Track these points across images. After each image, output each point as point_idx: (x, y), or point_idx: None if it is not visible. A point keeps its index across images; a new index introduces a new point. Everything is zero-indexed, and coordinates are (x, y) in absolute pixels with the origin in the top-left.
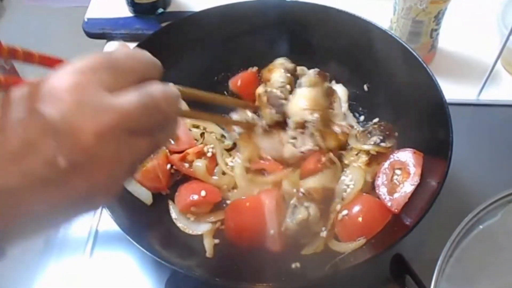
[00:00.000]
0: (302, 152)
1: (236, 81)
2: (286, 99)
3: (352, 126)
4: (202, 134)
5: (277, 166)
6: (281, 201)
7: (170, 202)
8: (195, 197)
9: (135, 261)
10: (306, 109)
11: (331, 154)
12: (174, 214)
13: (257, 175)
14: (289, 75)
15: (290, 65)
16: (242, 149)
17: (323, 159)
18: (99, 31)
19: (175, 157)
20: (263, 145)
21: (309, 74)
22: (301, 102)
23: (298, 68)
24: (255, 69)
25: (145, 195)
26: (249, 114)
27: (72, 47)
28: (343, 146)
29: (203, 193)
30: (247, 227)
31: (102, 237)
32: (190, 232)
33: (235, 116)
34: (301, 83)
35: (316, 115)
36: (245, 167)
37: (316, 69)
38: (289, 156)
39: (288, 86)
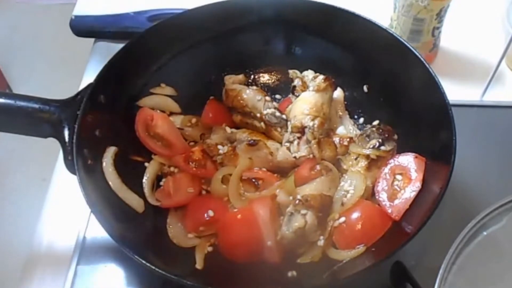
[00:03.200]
0: (295, 158)
1: (207, 114)
2: (276, 108)
3: (351, 138)
4: (202, 135)
5: (271, 175)
6: (275, 209)
7: (169, 212)
8: (204, 217)
9: (125, 269)
10: (307, 114)
11: (326, 162)
12: (167, 223)
13: (250, 186)
14: (254, 87)
15: (240, 76)
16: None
17: (318, 166)
18: (87, 29)
19: (179, 157)
20: (253, 159)
21: (317, 79)
22: (303, 107)
23: (290, 71)
24: (211, 98)
25: (137, 202)
26: (227, 130)
27: (60, 46)
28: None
29: (211, 213)
30: (242, 241)
31: (90, 244)
32: (183, 244)
33: (214, 136)
34: (309, 87)
35: (316, 121)
36: (237, 180)
37: (321, 75)
38: (282, 160)
39: (267, 97)
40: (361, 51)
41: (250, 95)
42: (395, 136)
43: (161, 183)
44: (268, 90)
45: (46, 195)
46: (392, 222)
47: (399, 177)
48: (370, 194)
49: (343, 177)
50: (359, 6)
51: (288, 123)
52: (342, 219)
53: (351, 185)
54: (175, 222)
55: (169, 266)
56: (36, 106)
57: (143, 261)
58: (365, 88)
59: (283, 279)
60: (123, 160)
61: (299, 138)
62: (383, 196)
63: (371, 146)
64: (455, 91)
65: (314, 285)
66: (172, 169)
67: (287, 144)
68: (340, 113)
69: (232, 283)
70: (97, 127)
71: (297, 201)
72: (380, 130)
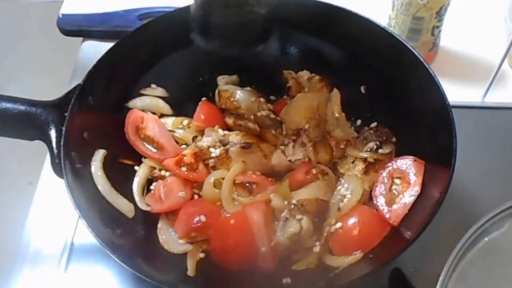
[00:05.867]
0: (290, 161)
1: (199, 116)
2: (270, 109)
3: (348, 141)
4: (194, 138)
5: (265, 179)
6: (269, 214)
7: (160, 217)
8: (196, 222)
9: (114, 276)
10: (302, 116)
11: (322, 165)
12: (157, 228)
13: (244, 191)
14: (248, 88)
15: (233, 77)
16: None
17: (314, 170)
18: (75, 28)
19: (170, 161)
20: (247, 162)
21: (313, 80)
22: (299, 108)
23: (285, 72)
24: (204, 99)
25: (127, 207)
26: (220, 132)
27: (46, 46)
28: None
29: (203, 218)
30: (235, 248)
31: (78, 250)
32: (174, 251)
33: (206, 138)
34: (304, 88)
35: (312, 124)
36: (230, 185)
37: (317, 76)
38: (276, 163)
39: (261, 99)
40: (359, 51)
41: (244, 96)
42: (393, 139)
43: (152, 187)
44: (262, 91)
45: (32, 199)
46: (391, 227)
47: (397, 181)
48: (368, 199)
49: (339, 181)
50: (357, 4)
51: (283, 125)
52: (339, 224)
53: (348, 190)
54: (166, 227)
55: (160, 273)
56: (22, 108)
57: (133, 268)
58: (362, 89)
59: (277, 287)
60: (112, 163)
61: (294, 140)
62: (381, 201)
63: (369, 149)
64: (456, 92)
65: None
66: (163, 172)
67: (282, 147)
68: (337, 115)
69: None
70: (85, 129)
71: (292, 206)
72: (378, 133)
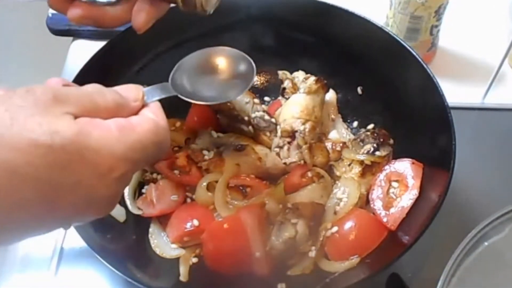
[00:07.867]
0: (285, 164)
1: (192, 118)
2: (265, 111)
3: (345, 143)
4: (187, 140)
5: (259, 182)
6: (263, 218)
7: (152, 221)
8: (189, 227)
9: (105, 281)
10: (297, 118)
11: (318, 168)
12: (149, 233)
13: (237, 194)
14: None
15: None
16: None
17: (309, 173)
18: (65, 28)
19: (162, 164)
20: (241, 165)
21: (308, 81)
22: (294, 109)
23: (280, 72)
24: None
25: (118, 211)
26: (213, 134)
27: (35, 46)
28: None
29: (195, 222)
30: (229, 252)
31: (69, 254)
32: (166, 255)
33: (199, 140)
34: (299, 89)
35: (307, 125)
36: (224, 188)
37: (313, 77)
38: (271, 166)
39: (255, 100)
40: (355, 50)
41: (238, 98)
42: (391, 141)
43: (143, 190)
44: (257, 92)
45: None
46: (388, 232)
47: (395, 184)
48: (365, 202)
49: (335, 184)
50: (353, 3)
51: (278, 127)
52: (335, 228)
53: (344, 193)
54: (158, 232)
55: (152, 279)
56: None
57: (124, 274)
58: (359, 90)
59: None
60: None
61: (289, 143)
62: (378, 205)
63: (366, 151)
64: (455, 93)
65: None
66: (155, 175)
67: (277, 149)
68: (333, 117)
69: None
70: None
71: (287, 210)
72: (375, 134)
